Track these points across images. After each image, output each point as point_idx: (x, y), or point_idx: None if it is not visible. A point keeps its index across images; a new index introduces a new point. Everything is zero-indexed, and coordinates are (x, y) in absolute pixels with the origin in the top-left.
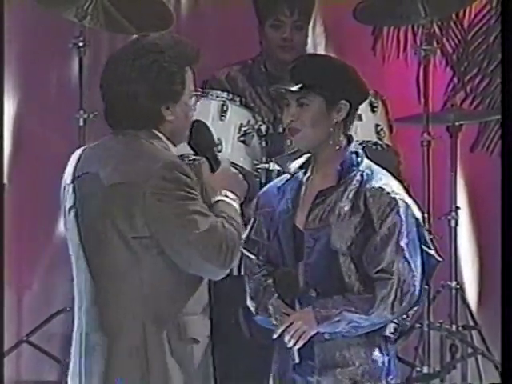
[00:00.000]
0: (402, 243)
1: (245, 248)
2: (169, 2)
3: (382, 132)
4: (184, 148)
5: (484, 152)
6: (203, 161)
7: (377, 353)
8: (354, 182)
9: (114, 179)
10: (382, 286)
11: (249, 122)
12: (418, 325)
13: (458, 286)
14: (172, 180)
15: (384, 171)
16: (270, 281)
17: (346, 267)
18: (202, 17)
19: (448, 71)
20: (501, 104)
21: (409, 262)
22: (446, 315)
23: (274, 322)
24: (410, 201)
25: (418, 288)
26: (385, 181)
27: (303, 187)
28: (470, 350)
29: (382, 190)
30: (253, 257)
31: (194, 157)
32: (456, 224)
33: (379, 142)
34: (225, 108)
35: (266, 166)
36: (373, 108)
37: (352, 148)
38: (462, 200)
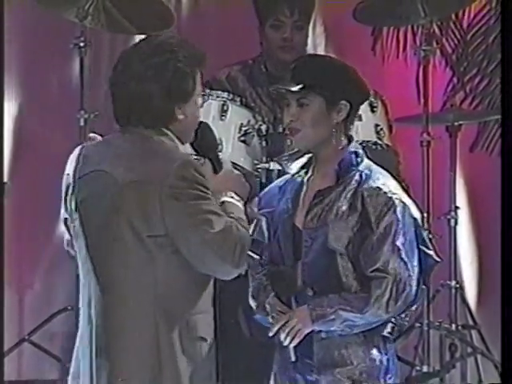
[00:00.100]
0: (399, 243)
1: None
2: (169, 2)
3: (381, 132)
4: (184, 148)
5: (483, 152)
6: (205, 162)
7: (375, 352)
8: (353, 181)
9: (130, 177)
10: (378, 284)
11: (249, 121)
12: (417, 324)
13: (458, 286)
14: (189, 179)
15: (383, 171)
16: (269, 280)
17: (344, 267)
18: (202, 17)
19: (447, 71)
20: (500, 104)
21: (405, 262)
22: (446, 314)
23: (270, 320)
24: (408, 201)
25: (414, 288)
26: (382, 181)
27: (304, 187)
28: (469, 350)
29: (379, 189)
30: (256, 256)
31: (195, 157)
32: (456, 224)
33: (379, 141)
34: (225, 108)
35: (267, 165)
36: (372, 108)
37: (351, 148)
38: (461, 200)
